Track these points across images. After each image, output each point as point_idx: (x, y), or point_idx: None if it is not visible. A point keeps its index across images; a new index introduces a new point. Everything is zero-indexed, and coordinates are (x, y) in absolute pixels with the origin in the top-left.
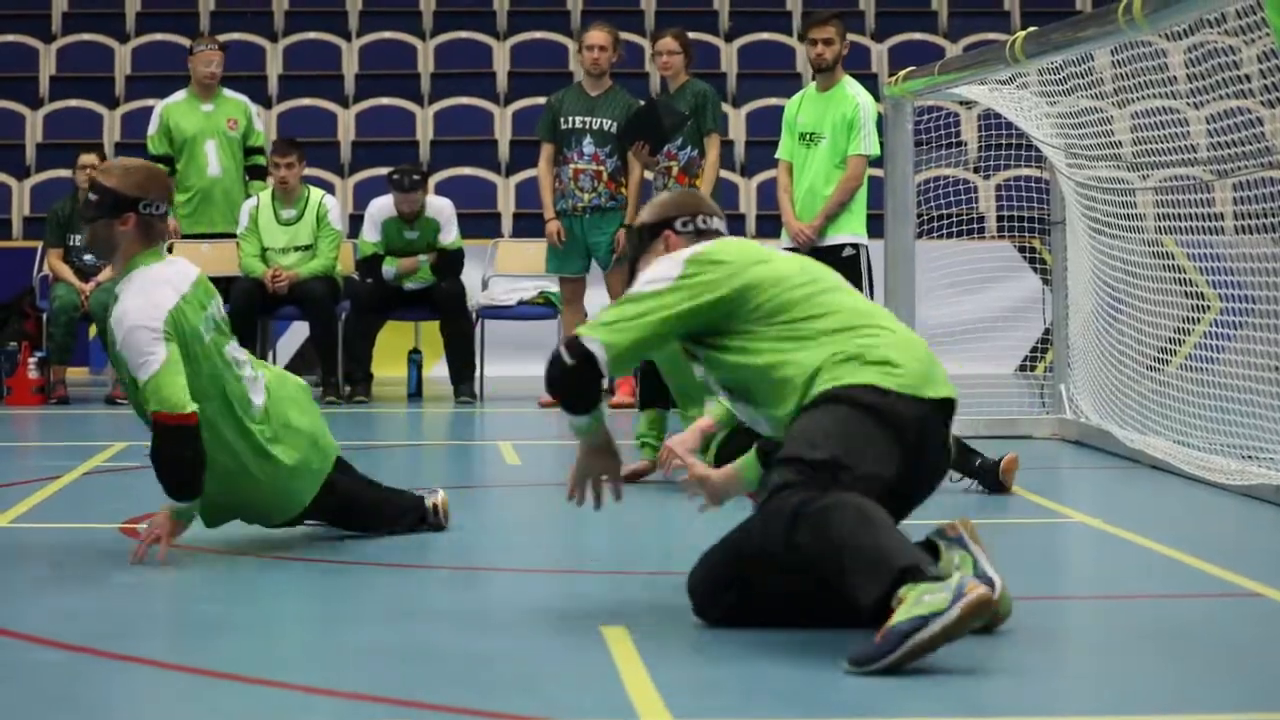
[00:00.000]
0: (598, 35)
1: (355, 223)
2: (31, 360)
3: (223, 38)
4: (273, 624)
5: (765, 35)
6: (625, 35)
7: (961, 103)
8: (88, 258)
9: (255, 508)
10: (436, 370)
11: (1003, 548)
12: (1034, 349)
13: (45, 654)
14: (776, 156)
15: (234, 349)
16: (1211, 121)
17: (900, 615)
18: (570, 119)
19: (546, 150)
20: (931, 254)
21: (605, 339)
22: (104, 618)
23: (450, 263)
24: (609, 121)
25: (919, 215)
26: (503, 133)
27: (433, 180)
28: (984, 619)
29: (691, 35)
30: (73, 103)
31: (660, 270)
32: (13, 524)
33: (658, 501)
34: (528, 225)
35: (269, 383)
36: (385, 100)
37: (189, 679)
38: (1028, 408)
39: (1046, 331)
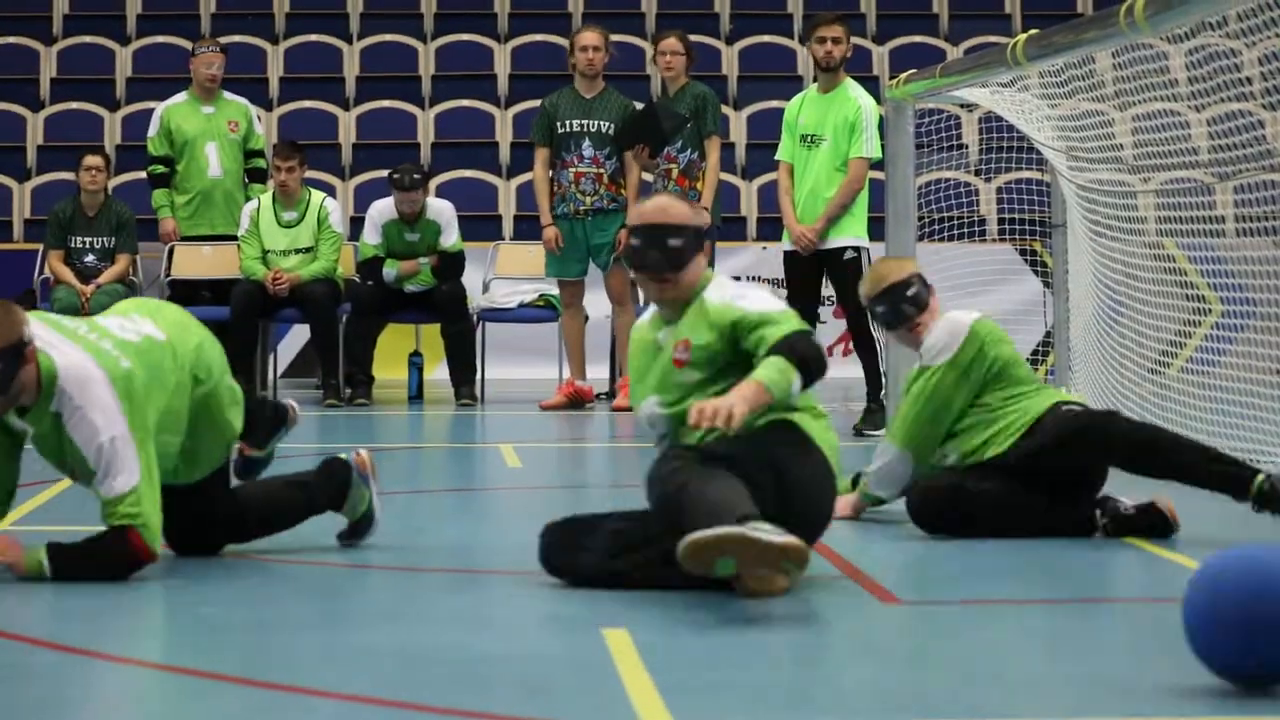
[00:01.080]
0: (591, 36)
1: (356, 225)
2: None
3: (224, 40)
4: (272, 626)
5: (766, 38)
6: (626, 38)
7: (962, 105)
8: (89, 259)
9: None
10: (437, 373)
11: (1002, 550)
12: (1035, 352)
13: (44, 655)
14: (777, 158)
15: (121, 329)
16: (1213, 124)
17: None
18: (568, 122)
19: (542, 154)
20: (932, 257)
21: None
22: (103, 618)
23: (451, 265)
24: (606, 123)
25: (920, 218)
26: (503, 135)
27: (434, 183)
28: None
29: (692, 37)
30: (73, 105)
31: None
32: (14, 525)
33: None
34: (528, 228)
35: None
36: (386, 103)
37: (188, 680)
38: None
39: (1047, 334)
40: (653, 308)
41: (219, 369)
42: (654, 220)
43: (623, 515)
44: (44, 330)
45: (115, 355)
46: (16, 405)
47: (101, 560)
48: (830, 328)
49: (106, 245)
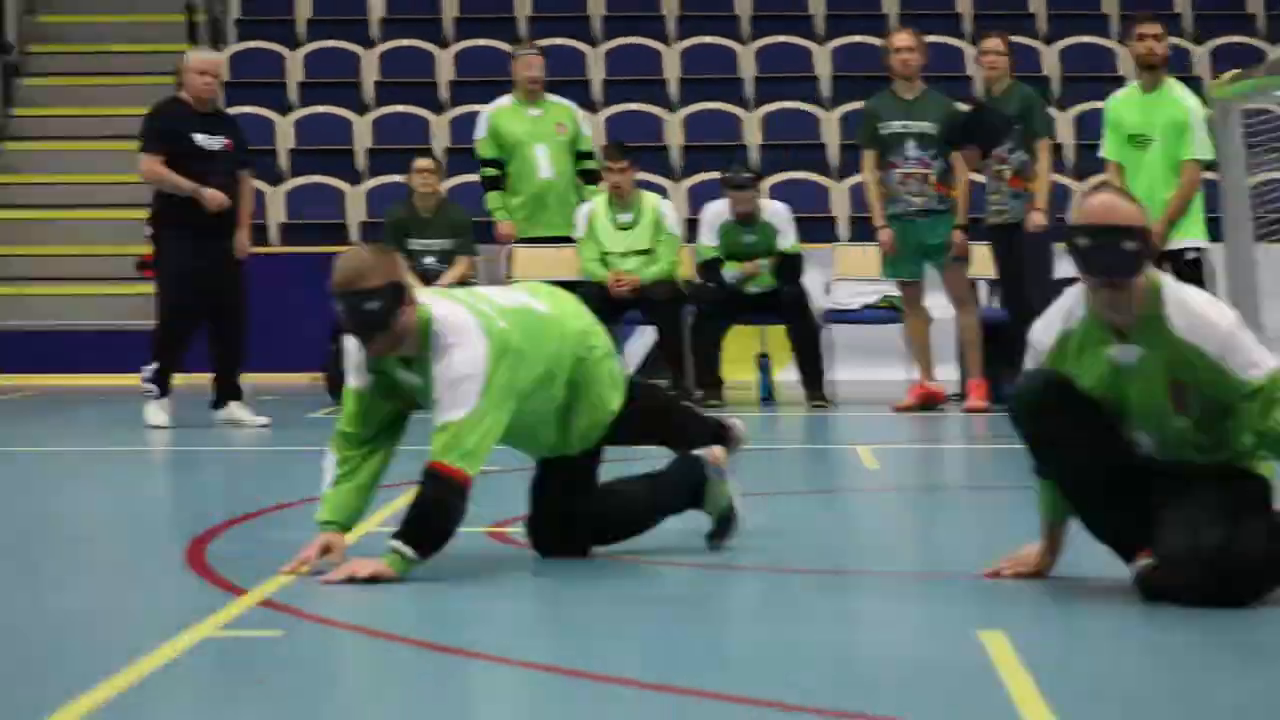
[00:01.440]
0: (904, 37)
1: (689, 227)
2: None
3: (542, 42)
4: (628, 622)
5: (1085, 38)
6: (944, 39)
7: None
8: (428, 261)
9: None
10: (786, 374)
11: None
12: None
13: (424, 656)
14: (1102, 156)
15: (499, 296)
16: None
17: None
18: (889, 124)
19: (869, 157)
20: (1275, 258)
21: None
22: (475, 620)
23: (791, 266)
24: (929, 124)
25: (1256, 219)
26: (830, 137)
27: (764, 184)
28: None
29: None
30: (398, 108)
31: None
32: (377, 528)
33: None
34: (864, 229)
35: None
36: (707, 105)
37: (566, 682)
38: None
39: None
40: (1069, 307)
41: (603, 351)
42: (1103, 221)
43: None
44: (421, 292)
45: (493, 316)
46: (398, 351)
47: (433, 508)
48: None
49: (445, 248)
